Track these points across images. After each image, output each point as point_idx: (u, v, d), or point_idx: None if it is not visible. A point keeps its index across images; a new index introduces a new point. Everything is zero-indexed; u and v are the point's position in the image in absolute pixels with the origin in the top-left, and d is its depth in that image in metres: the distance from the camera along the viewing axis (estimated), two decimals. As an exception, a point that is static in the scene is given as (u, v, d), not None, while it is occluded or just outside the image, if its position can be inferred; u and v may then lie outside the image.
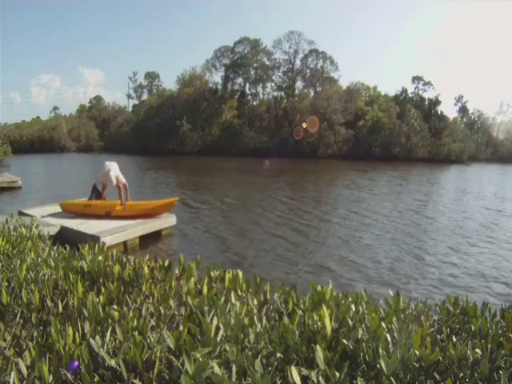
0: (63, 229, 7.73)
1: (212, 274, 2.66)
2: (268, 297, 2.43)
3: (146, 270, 2.62)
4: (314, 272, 6.78)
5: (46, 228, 6.68)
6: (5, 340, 1.67)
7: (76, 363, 1.44)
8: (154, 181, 19.63)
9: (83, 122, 52.88)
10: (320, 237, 9.32)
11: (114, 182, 8.87)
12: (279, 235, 9.24)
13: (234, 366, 1.37)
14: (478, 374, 1.46)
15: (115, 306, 2.00)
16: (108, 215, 8.53)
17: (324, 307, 1.78)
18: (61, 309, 2.06)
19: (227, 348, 1.49)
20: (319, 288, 2.28)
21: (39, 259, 3.01)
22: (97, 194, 9.11)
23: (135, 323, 1.77)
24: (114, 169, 8.89)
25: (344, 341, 1.65)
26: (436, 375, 1.51)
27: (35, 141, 47.26)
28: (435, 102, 41.40)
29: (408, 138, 37.47)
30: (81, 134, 50.57)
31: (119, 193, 9.07)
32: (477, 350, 1.60)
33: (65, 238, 6.99)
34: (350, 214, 11.81)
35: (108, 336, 1.65)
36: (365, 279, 6.42)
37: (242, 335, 1.65)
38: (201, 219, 10.90)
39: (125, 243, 7.70)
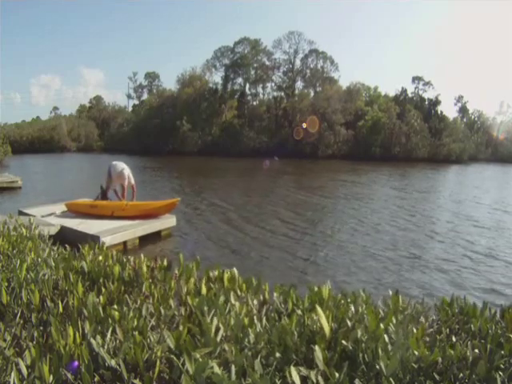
0: (63, 228, 7.73)
1: (211, 274, 2.67)
2: (267, 297, 2.43)
3: (146, 270, 2.63)
4: (313, 273, 6.78)
5: (45, 228, 6.68)
6: (5, 340, 1.68)
7: (76, 363, 1.44)
8: (154, 181, 19.62)
9: (83, 122, 52.78)
10: (318, 238, 9.33)
11: (126, 181, 8.96)
12: (280, 236, 9.22)
13: (233, 366, 1.38)
14: (476, 375, 1.46)
15: (115, 306, 2.00)
16: (111, 215, 8.58)
17: (318, 308, 1.78)
18: (61, 309, 2.07)
19: (227, 348, 1.50)
20: (316, 288, 2.28)
21: (39, 259, 3.01)
22: (102, 194, 9.26)
23: (135, 323, 1.77)
24: (125, 167, 9.07)
25: (343, 341, 1.65)
26: (435, 376, 1.52)
27: (35, 141, 47.14)
28: (435, 102, 41.36)
29: (408, 138, 37.45)
30: (81, 134, 50.51)
31: (123, 193, 9.13)
32: (476, 351, 1.60)
33: (65, 237, 6.98)
34: (343, 219, 11.83)
35: (108, 336, 1.65)
36: (363, 280, 6.42)
37: (241, 335, 1.66)
38: (201, 220, 10.89)
39: (125, 243, 7.69)
